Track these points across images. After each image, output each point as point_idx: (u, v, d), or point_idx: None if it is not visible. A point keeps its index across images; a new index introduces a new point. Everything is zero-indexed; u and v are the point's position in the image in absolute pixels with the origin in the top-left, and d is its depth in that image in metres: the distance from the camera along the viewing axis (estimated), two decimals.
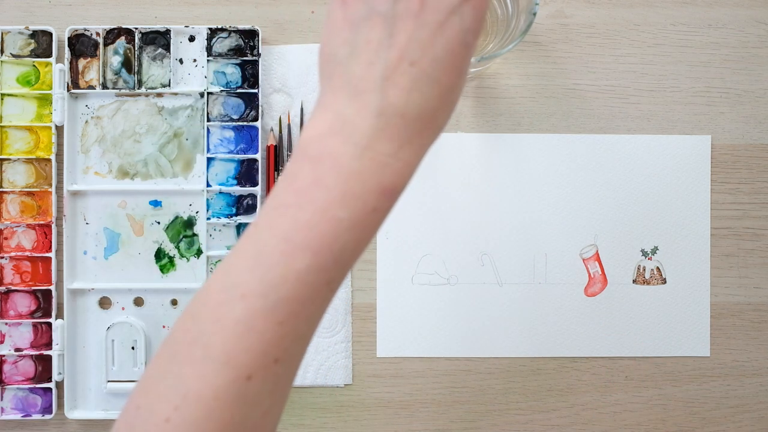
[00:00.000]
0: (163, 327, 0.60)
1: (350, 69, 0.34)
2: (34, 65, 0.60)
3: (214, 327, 0.33)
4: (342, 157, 0.33)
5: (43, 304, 0.60)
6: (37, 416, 0.59)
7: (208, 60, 0.60)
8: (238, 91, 0.60)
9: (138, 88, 0.60)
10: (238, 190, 0.60)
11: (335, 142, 0.34)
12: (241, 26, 0.60)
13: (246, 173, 0.60)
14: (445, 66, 0.34)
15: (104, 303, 0.60)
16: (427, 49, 0.33)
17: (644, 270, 0.61)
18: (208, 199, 0.60)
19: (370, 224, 0.34)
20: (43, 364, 0.60)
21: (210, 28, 0.60)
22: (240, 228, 0.60)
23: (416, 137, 0.34)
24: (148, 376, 0.34)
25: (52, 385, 0.59)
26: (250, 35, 0.60)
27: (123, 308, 0.60)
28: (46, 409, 0.59)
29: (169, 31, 0.60)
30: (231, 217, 0.60)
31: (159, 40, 0.60)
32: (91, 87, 0.60)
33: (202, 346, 0.33)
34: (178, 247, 0.60)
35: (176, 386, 0.32)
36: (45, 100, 0.60)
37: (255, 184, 0.60)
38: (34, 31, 0.60)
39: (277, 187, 0.35)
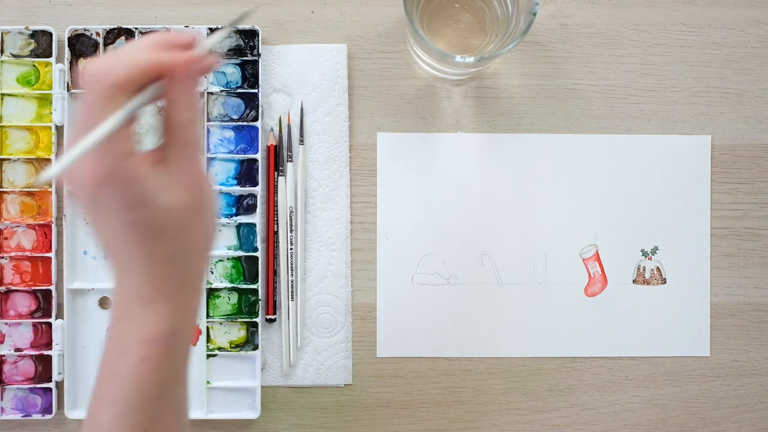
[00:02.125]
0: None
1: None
2: (34, 65, 0.60)
3: None
4: (113, 318, 0.38)
5: (43, 304, 0.60)
6: (37, 416, 0.59)
7: None
8: (238, 91, 0.60)
9: None
10: (238, 190, 0.60)
11: (115, 301, 0.39)
12: (241, 26, 0.60)
13: (246, 173, 0.60)
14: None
15: (104, 303, 0.60)
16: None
17: (644, 270, 0.61)
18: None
19: (148, 372, 0.37)
20: (43, 364, 0.60)
21: (210, 28, 0.60)
22: (240, 228, 0.60)
23: (172, 294, 0.38)
24: None
25: (52, 385, 0.59)
26: (250, 35, 0.60)
27: None
28: (46, 409, 0.59)
29: (169, 31, 0.60)
30: (231, 217, 0.60)
31: None
32: None
33: None
34: None
35: None
36: (45, 100, 0.60)
37: (255, 184, 0.60)
38: (34, 31, 0.60)
39: None
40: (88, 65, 0.36)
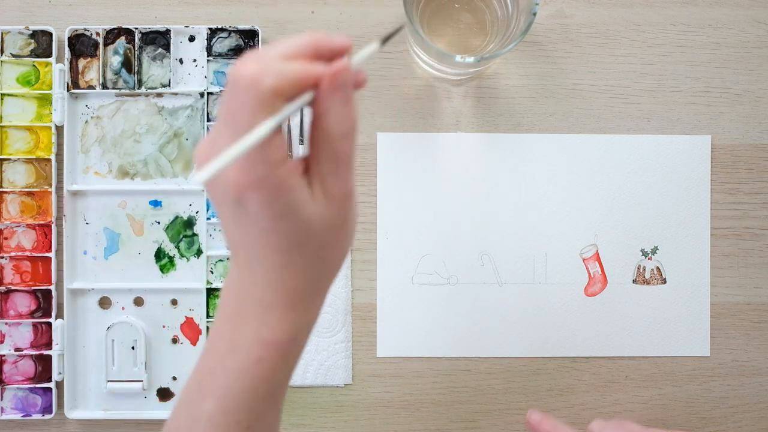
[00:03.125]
0: (163, 327, 0.60)
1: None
2: (34, 65, 0.60)
3: None
4: (225, 312, 0.37)
5: (43, 304, 0.60)
6: (37, 416, 0.59)
7: (208, 60, 0.60)
8: None
9: (138, 88, 0.60)
10: None
11: (229, 297, 0.37)
12: (241, 26, 0.60)
13: None
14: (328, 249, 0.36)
15: (104, 303, 0.60)
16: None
17: (644, 270, 0.61)
18: (208, 199, 0.60)
19: (261, 373, 0.36)
20: (43, 364, 0.60)
21: (210, 28, 0.60)
22: None
23: (298, 303, 0.37)
24: None
25: (52, 385, 0.59)
26: (250, 35, 0.60)
27: (123, 308, 0.60)
28: (46, 409, 0.59)
29: (169, 31, 0.60)
30: None
31: (159, 40, 0.60)
32: (91, 87, 0.60)
33: None
34: (178, 247, 0.60)
35: None
36: (45, 100, 0.60)
37: None
38: (34, 31, 0.60)
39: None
40: (239, 66, 0.32)
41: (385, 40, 0.38)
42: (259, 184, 0.33)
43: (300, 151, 0.60)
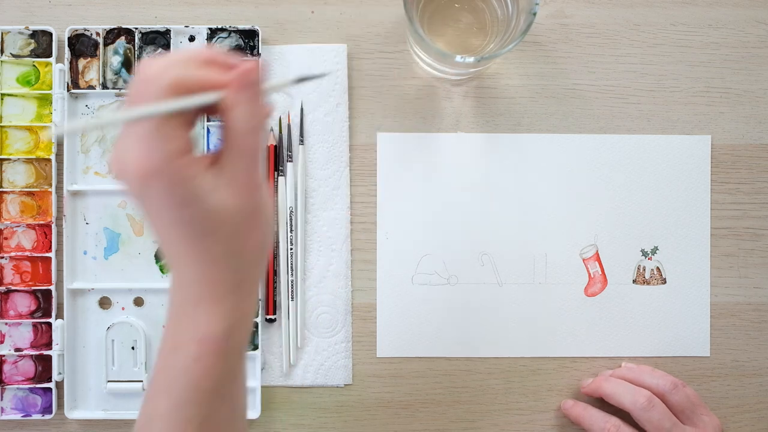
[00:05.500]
0: (163, 327, 0.60)
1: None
2: (34, 65, 0.60)
3: None
4: (169, 313, 0.39)
5: (43, 304, 0.60)
6: (37, 416, 0.59)
7: None
8: None
9: None
10: None
11: (171, 297, 0.39)
12: (241, 26, 0.60)
13: None
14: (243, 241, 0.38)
15: (104, 303, 0.60)
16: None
17: (644, 270, 0.61)
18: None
19: (202, 371, 0.38)
20: (43, 364, 0.60)
21: (210, 28, 0.60)
22: None
23: (224, 297, 0.38)
24: None
25: (52, 385, 0.59)
26: (250, 35, 0.60)
27: (123, 308, 0.60)
28: (46, 409, 0.59)
29: (169, 31, 0.60)
30: None
31: (159, 40, 0.60)
32: (91, 87, 0.60)
33: None
34: None
35: None
36: (45, 100, 0.60)
37: None
38: (34, 31, 0.60)
39: None
40: (147, 61, 0.36)
41: (301, 80, 0.41)
42: (158, 172, 0.35)
43: (300, 151, 0.60)
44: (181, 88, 0.35)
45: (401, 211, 0.61)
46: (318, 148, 0.61)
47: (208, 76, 0.36)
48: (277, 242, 0.60)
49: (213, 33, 0.60)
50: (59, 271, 0.60)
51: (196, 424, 0.38)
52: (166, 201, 0.36)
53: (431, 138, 0.61)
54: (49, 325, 0.60)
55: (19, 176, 0.60)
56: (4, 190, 0.60)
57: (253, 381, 0.59)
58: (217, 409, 0.39)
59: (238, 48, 0.60)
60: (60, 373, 0.59)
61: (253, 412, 0.59)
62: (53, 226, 0.60)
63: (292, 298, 0.60)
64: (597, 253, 0.61)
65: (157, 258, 0.60)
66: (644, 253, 0.61)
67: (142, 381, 0.59)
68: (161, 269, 0.60)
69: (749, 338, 0.61)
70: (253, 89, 0.37)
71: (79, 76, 0.60)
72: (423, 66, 0.60)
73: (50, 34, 0.60)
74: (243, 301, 0.39)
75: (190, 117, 0.37)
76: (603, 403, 0.58)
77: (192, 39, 0.60)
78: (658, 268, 0.61)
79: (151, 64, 0.35)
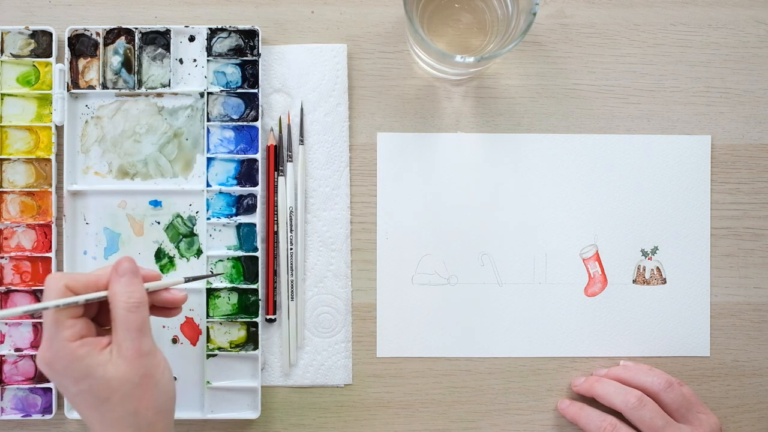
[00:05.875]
0: (163, 327, 0.60)
1: None
2: (34, 65, 0.60)
3: None
4: None
5: None
6: (37, 416, 0.59)
7: (208, 60, 0.60)
8: (238, 91, 0.60)
9: (138, 88, 0.60)
10: (238, 190, 0.60)
11: None
12: (241, 26, 0.60)
13: (246, 173, 0.60)
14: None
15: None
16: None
17: (644, 270, 0.61)
18: (208, 199, 0.60)
19: None
20: None
21: (210, 28, 0.60)
22: (240, 228, 0.60)
23: None
24: None
25: (52, 385, 0.59)
26: (250, 35, 0.60)
27: None
28: (46, 409, 0.59)
29: (169, 31, 0.60)
30: (231, 217, 0.60)
31: (159, 40, 0.60)
32: (91, 87, 0.60)
33: None
34: (178, 247, 0.60)
35: None
36: (45, 100, 0.60)
37: (255, 184, 0.60)
38: (34, 31, 0.60)
39: None
40: (49, 275, 0.48)
41: (190, 279, 0.53)
42: (57, 355, 0.46)
43: (300, 151, 0.60)
44: (70, 291, 0.47)
45: (401, 211, 0.61)
46: (318, 148, 0.61)
47: (90, 275, 0.48)
48: (277, 242, 0.60)
49: (213, 33, 0.60)
50: (59, 271, 0.60)
51: None
52: (66, 378, 0.46)
53: (431, 138, 0.61)
54: None
55: (19, 176, 0.60)
56: (4, 190, 0.60)
57: (253, 381, 0.59)
58: None
59: (238, 48, 0.60)
60: None
61: (253, 412, 0.59)
62: (53, 226, 0.60)
63: (292, 298, 0.60)
64: (597, 253, 0.61)
65: (158, 258, 0.60)
66: (644, 253, 0.61)
67: None
68: (161, 269, 0.60)
69: (749, 338, 0.61)
70: (127, 276, 0.47)
71: (79, 76, 0.60)
72: (423, 66, 0.60)
73: (50, 34, 0.60)
74: None
75: (80, 309, 0.47)
76: (598, 403, 0.58)
77: (192, 39, 0.60)
78: (658, 268, 0.61)
79: (51, 277, 0.47)
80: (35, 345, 0.60)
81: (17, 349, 0.60)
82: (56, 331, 0.46)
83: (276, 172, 0.60)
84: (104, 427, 0.46)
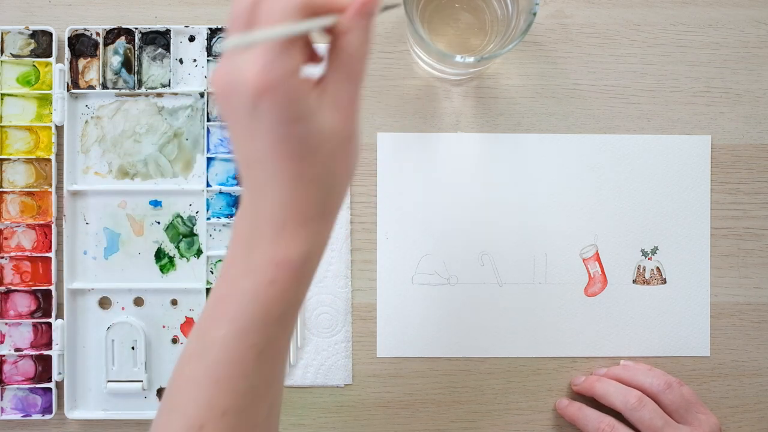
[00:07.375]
0: (163, 327, 0.60)
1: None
2: (34, 65, 0.60)
3: (177, 382, 0.39)
4: (239, 237, 0.39)
5: (43, 304, 0.60)
6: (37, 416, 0.59)
7: (208, 60, 0.60)
8: None
9: (138, 88, 0.60)
10: (238, 190, 0.60)
11: (241, 223, 0.39)
12: None
13: None
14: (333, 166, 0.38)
15: (104, 303, 0.60)
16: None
17: (644, 270, 0.61)
18: (208, 199, 0.60)
19: (274, 295, 0.38)
20: (43, 364, 0.60)
21: (210, 28, 0.60)
22: None
23: (309, 221, 0.38)
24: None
25: (52, 385, 0.59)
26: None
27: (123, 308, 0.60)
28: (46, 409, 0.59)
29: (169, 31, 0.60)
30: (231, 217, 0.60)
31: (159, 40, 0.60)
32: (91, 87, 0.60)
33: (170, 397, 0.40)
34: (178, 247, 0.60)
35: (154, 430, 0.40)
36: (45, 100, 0.60)
37: None
38: (34, 31, 0.60)
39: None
40: None
41: (385, 9, 0.42)
42: (276, 87, 0.35)
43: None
44: (308, 8, 0.36)
45: (401, 211, 0.61)
46: None
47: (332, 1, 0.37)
48: None
49: (213, 33, 0.60)
50: (59, 271, 0.60)
51: (257, 351, 0.38)
52: (277, 116, 0.35)
53: (431, 138, 0.61)
54: (49, 325, 0.60)
55: (19, 176, 0.60)
56: (4, 190, 0.60)
57: None
58: (276, 338, 0.39)
59: None
60: (60, 373, 0.59)
61: None
62: (53, 226, 0.60)
63: None
64: (597, 253, 0.61)
65: (157, 258, 0.60)
66: (644, 253, 0.61)
67: (141, 381, 0.59)
68: (161, 269, 0.60)
69: (749, 338, 0.61)
70: (369, 18, 0.37)
71: (79, 76, 0.60)
72: (423, 66, 0.60)
73: (50, 34, 0.60)
74: (324, 227, 0.39)
75: (306, 38, 0.38)
76: (597, 402, 0.58)
77: (192, 39, 0.60)
78: (658, 268, 0.61)
79: None
80: (35, 345, 0.60)
81: (17, 349, 0.60)
82: (282, 59, 0.35)
83: None
84: (294, 184, 0.37)
